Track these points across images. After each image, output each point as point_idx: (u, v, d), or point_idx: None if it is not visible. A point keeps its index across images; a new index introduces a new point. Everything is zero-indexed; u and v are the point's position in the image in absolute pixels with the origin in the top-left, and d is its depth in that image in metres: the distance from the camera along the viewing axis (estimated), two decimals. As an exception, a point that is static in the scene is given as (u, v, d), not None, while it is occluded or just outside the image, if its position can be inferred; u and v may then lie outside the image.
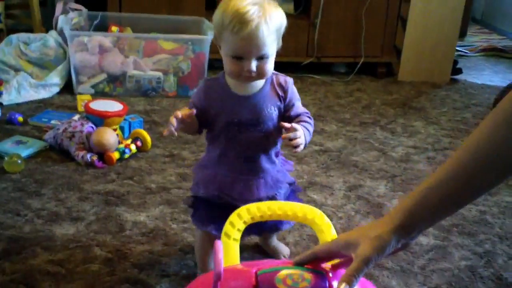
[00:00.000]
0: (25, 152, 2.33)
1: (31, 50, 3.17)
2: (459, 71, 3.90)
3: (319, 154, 2.52)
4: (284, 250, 1.80)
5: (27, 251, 1.74)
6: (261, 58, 1.36)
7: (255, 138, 1.46)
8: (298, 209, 1.18)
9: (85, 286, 1.60)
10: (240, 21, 1.31)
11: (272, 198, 1.51)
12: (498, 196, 2.29)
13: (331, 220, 1.98)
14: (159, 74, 3.15)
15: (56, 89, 3.10)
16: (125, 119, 2.55)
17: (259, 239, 1.83)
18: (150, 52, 3.18)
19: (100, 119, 2.41)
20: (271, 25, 1.34)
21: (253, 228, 1.53)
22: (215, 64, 3.55)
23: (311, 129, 1.48)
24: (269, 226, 1.60)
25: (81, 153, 2.31)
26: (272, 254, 1.78)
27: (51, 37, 3.21)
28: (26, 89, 2.98)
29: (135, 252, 1.78)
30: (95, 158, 2.30)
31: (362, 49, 3.67)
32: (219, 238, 1.47)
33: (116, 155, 2.34)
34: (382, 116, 3.12)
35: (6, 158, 2.22)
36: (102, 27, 3.35)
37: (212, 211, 1.51)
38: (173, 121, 1.36)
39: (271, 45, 1.37)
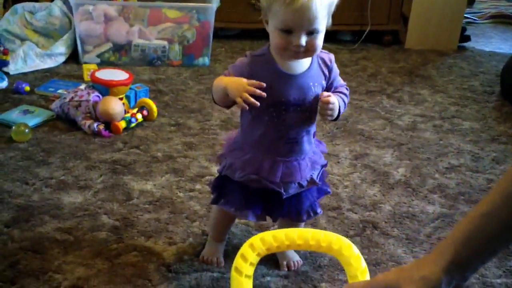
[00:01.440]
0: (32, 122, 2.33)
1: (37, 20, 3.15)
2: (467, 38, 3.85)
3: (325, 122, 2.51)
4: (294, 257, 1.64)
5: (36, 219, 1.76)
6: (311, 33, 1.28)
7: (299, 118, 1.39)
8: (322, 238, 1.04)
9: (93, 253, 1.62)
10: None
11: (310, 180, 1.46)
12: (506, 164, 2.28)
13: (336, 189, 2.01)
14: (164, 43, 3.13)
15: (62, 59, 3.09)
16: (131, 88, 2.55)
17: None
18: (155, 21, 3.16)
19: (106, 88, 2.41)
20: (324, 1, 1.27)
21: (286, 211, 1.51)
22: (220, 33, 3.53)
23: (346, 100, 1.44)
24: (305, 211, 1.53)
25: (88, 122, 2.31)
26: (279, 258, 1.64)
27: (56, 6, 3.19)
28: (32, 59, 2.97)
29: (142, 220, 1.79)
30: (101, 127, 2.31)
31: (369, 16, 3.62)
32: (256, 224, 1.45)
33: (122, 124, 2.34)
34: (389, 85, 3.10)
35: (13, 127, 2.23)
36: (107, -4, 3.32)
37: (249, 196, 1.45)
38: (250, 98, 1.28)
39: (322, 20, 1.29)
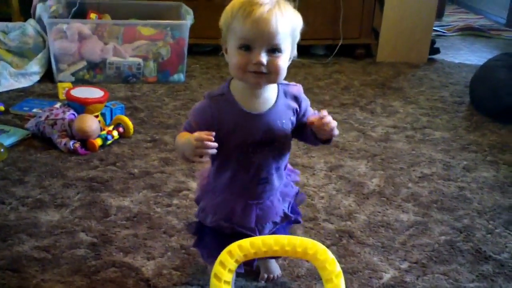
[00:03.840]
0: (7, 141, 2.33)
1: (10, 39, 3.15)
2: (437, 50, 3.95)
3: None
4: (275, 270, 1.63)
5: (13, 238, 1.76)
6: (273, 51, 1.20)
7: (269, 157, 1.33)
8: (298, 243, 1.06)
9: (72, 271, 1.62)
10: (252, 3, 1.19)
11: (284, 215, 1.42)
12: (477, 172, 2.34)
13: (312, 200, 2.04)
14: (139, 60, 3.15)
15: (37, 78, 3.08)
16: (106, 106, 2.56)
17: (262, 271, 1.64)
18: (129, 38, 3.18)
19: (81, 106, 2.41)
20: (286, 17, 1.20)
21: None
22: (194, 49, 3.56)
23: None
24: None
25: (64, 140, 2.31)
26: (261, 270, 1.62)
27: (30, 26, 3.19)
28: (6, 78, 2.97)
29: (120, 236, 1.80)
30: (77, 145, 2.31)
31: (341, 31, 3.69)
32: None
33: (98, 142, 2.35)
34: (362, 97, 3.15)
35: (-12, 148, 2.22)
36: (81, 14, 3.33)
37: (221, 242, 1.28)
38: (202, 151, 1.19)
39: (285, 40, 1.21)
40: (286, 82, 1.35)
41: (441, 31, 4.70)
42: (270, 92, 1.31)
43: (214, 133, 1.19)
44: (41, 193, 2.02)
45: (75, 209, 1.93)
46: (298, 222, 1.53)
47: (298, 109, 1.35)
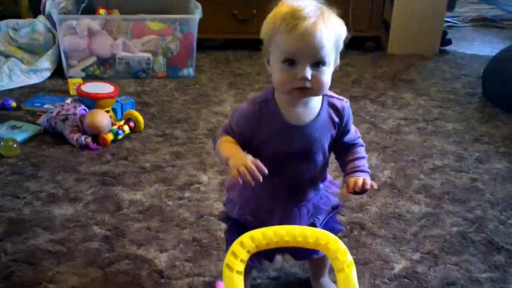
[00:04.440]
0: (20, 137, 2.35)
1: (20, 36, 3.17)
2: (448, 42, 3.92)
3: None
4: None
5: (28, 231, 1.77)
6: (317, 65, 1.17)
7: (303, 168, 1.31)
8: (309, 234, 1.07)
9: (86, 263, 1.64)
10: (296, 17, 1.14)
11: (310, 225, 1.36)
12: (489, 164, 2.33)
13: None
14: (148, 55, 3.16)
15: (47, 74, 3.10)
16: (117, 101, 2.57)
17: (310, 274, 1.62)
18: (138, 33, 3.18)
19: (92, 102, 2.43)
20: (330, 29, 1.17)
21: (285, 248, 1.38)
22: (203, 44, 3.57)
23: (366, 158, 1.36)
24: (304, 249, 1.38)
25: (75, 135, 2.33)
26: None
27: (40, 22, 3.21)
28: (18, 75, 2.99)
29: (132, 229, 1.81)
30: (89, 140, 2.32)
31: (350, 23, 3.65)
32: (250, 267, 1.36)
33: (110, 137, 2.36)
34: (372, 90, 3.15)
35: (2, 143, 2.24)
36: (90, 10, 3.34)
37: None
38: (249, 177, 1.17)
39: (330, 53, 1.18)
40: (332, 94, 1.32)
41: (453, 22, 4.66)
42: (314, 103, 1.28)
43: (266, 171, 1.17)
44: (55, 187, 2.04)
45: (88, 203, 1.95)
46: (339, 230, 1.48)
47: (339, 123, 1.32)
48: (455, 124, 2.72)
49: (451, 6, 4.91)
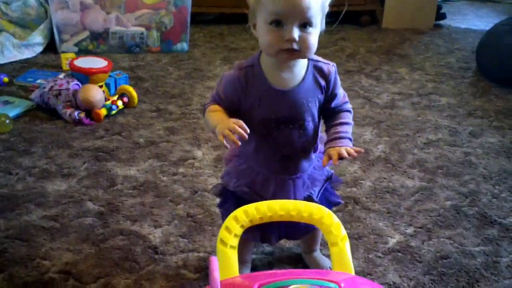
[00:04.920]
0: (12, 112, 2.33)
1: (12, 10, 3.12)
2: (443, 16, 3.90)
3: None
4: (326, 263, 1.58)
5: (21, 208, 1.77)
6: (304, 26, 1.17)
7: (292, 135, 1.30)
8: (303, 208, 1.07)
9: (80, 239, 1.64)
10: None
11: (307, 198, 1.35)
12: (482, 138, 2.33)
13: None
14: (142, 29, 3.13)
15: (40, 49, 3.07)
16: (110, 76, 2.55)
17: (302, 249, 1.63)
18: (131, 7, 3.15)
19: (85, 76, 2.41)
20: None
21: (277, 229, 1.39)
22: (197, 18, 3.53)
23: (352, 124, 1.36)
24: (303, 228, 1.40)
25: (69, 110, 2.31)
26: (311, 266, 1.58)
27: (31, -4, 3.17)
28: (10, 50, 2.96)
29: (126, 205, 1.81)
30: (82, 115, 2.31)
31: (346, -3, 3.64)
32: (248, 240, 1.35)
33: (103, 112, 2.35)
34: (367, 64, 3.13)
35: (-7, 119, 2.23)
36: (82, -16, 3.30)
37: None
38: (233, 137, 1.17)
39: (317, 14, 1.18)
40: (318, 57, 1.31)
41: (447, -4, 4.64)
42: (299, 68, 1.28)
43: (248, 130, 1.18)
44: (48, 163, 2.03)
45: (82, 179, 1.94)
46: (337, 203, 1.48)
47: (326, 87, 1.31)
48: (449, 98, 2.72)
49: (446, -21, 4.88)
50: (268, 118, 1.28)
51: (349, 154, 1.25)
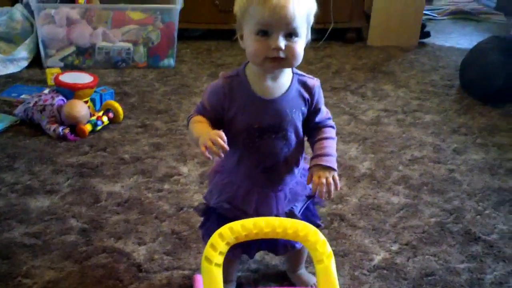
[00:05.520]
0: (-4, 127, 2.32)
1: (-3, 25, 3.12)
2: (427, 34, 3.94)
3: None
4: (311, 279, 1.58)
5: (3, 224, 1.75)
6: (290, 35, 1.20)
7: (275, 145, 1.30)
8: (289, 225, 1.06)
9: (62, 257, 1.62)
10: None
11: (289, 213, 1.36)
12: (466, 155, 2.35)
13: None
14: (129, 45, 3.13)
15: (25, 63, 3.05)
16: (96, 91, 2.54)
17: (287, 268, 1.62)
18: (118, 23, 3.15)
19: (70, 92, 2.40)
20: (302, 2, 1.20)
21: (264, 244, 1.39)
22: (184, 34, 3.54)
23: (336, 139, 1.37)
24: (282, 244, 1.40)
25: (53, 126, 2.30)
26: (296, 284, 1.58)
27: (17, 10, 3.15)
28: (-6, 64, 2.94)
29: (110, 221, 1.79)
30: (67, 131, 2.30)
31: (332, 14, 3.67)
32: (230, 258, 1.28)
33: (88, 127, 2.34)
34: (353, 81, 3.15)
35: (-24, 134, 2.21)
36: (69, -1, 3.30)
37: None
38: (215, 148, 1.17)
39: (302, 25, 1.21)
40: (302, 72, 1.33)
41: (431, 15, 4.69)
42: (284, 79, 1.30)
43: (227, 148, 1.18)
44: (31, 179, 2.01)
45: (65, 195, 1.92)
46: (317, 225, 1.41)
47: (310, 101, 1.32)
48: (433, 115, 2.74)
49: (430, -2, 4.95)
50: (252, 127, 1.28)
51: (327, 184, 1.27)
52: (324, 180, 1.27)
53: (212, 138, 1.18)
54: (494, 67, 2.87)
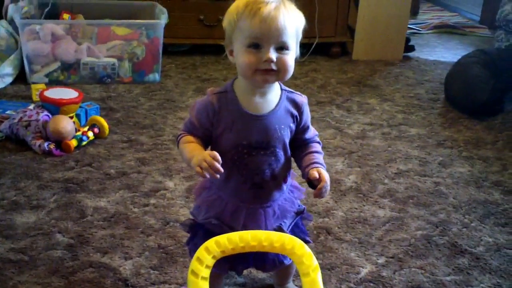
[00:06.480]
0: (-20, 143, 2.30)
1: (-18, 40, 3.10)
2: (411, 48, 3.98)
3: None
4: None
5: (-13, 241, 1.73)
6: (281, 48, 1.20)
7: (263, 162, 1.30)
8: (275, 239, 1.06)
9: (49, 272, 1.61)
10: (258, 2, 1.19)
11: (278, 229, 1.35)
12: (452, 168, 2.37)
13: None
14: (114, 60, 3.13)
15: (10, 79, 3.04)
16: (81, 107, 2.54)
17: (274, 282, 1.61)
18: (103, 38, 3.15)
19: (55, 107, 2.39)
20: (291, 15, 1.21)
21: (244, 260, 1.38)
22: (169, 49, 3.55)
23: (323, 154, 1.39)
24: (271, 260, 1.40)
25: (38, 142, 2.29)
26: None
27: (2, 27, 3.14)
28: (-22, 80, 2.93)
29: (97, 236, 1.78)
30: (52, 146, 2.29)
31: (316, 29, 3.70)
32: (217, 273, 1.30)
33: (73, 143, 2.33)
34: (338, 95, 3.17)
35: (-40, 150, 2.19)
36: (54, 15, 3.30)
37: None
38: (211, 171, 1.18)
39: (292, 38, 1.22)
40: (291, 89, 1.34)
41: (416, 29, 4.74)
42: (273, 95, 1.30)
43: (222, 170, 1.19)
44: (17, 194, 2.00)
45: (51, 211, 1.91)
46: (306, 242, 1.33)
47: (299, 118, 1.33)
48: (419, 129, 2.76)
49: (414, 12, 5.01)
50: (240, 144, 1.28)
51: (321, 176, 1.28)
52: (326, 176, 1.29)
53: (207, 160, 1.18)
54: (478, 80, 2.90)
